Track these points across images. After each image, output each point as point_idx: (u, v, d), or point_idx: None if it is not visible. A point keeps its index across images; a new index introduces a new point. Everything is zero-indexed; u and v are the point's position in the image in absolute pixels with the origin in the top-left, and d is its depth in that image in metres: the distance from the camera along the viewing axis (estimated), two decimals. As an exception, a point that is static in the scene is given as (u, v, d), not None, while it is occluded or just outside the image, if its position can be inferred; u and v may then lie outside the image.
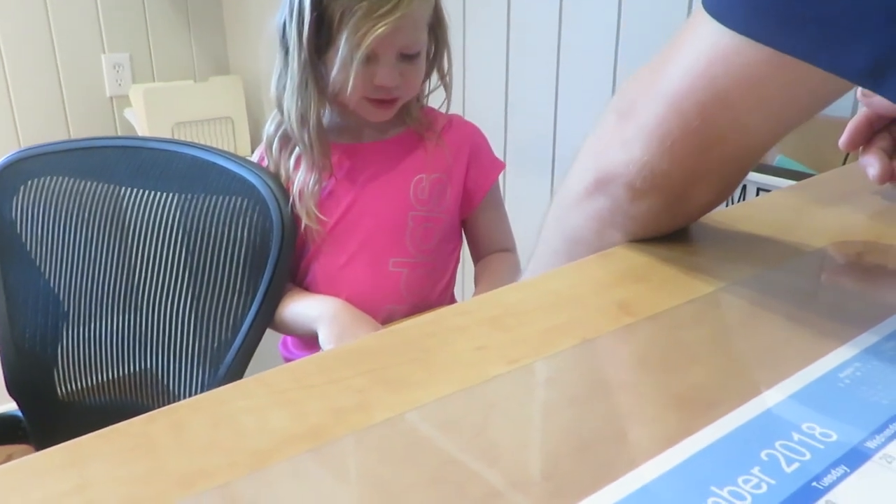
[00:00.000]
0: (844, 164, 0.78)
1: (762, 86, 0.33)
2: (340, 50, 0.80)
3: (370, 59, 0.82)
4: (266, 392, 0.28)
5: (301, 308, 0.89)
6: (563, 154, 1.40)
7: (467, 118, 0.99)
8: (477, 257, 1.00)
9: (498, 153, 1.00)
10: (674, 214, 0.42)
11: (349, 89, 0.83)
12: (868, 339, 0.31)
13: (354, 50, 0.80)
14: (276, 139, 0.90)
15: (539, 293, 0.36)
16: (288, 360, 1.01)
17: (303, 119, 0.86)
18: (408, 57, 0.84)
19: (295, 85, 0.85)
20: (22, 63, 1.83)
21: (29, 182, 0.95)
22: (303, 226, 0.89)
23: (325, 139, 0.88)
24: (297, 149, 0.89)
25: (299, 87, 0.84)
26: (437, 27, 0.88)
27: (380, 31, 0.79)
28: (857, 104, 0.52)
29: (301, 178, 0.88)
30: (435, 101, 0.97)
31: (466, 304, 0.36)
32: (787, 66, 0.32)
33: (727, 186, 0.41)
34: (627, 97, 0.40)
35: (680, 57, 0.36)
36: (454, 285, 1.00)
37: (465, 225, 0.99)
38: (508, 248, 0.99)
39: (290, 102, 0.86)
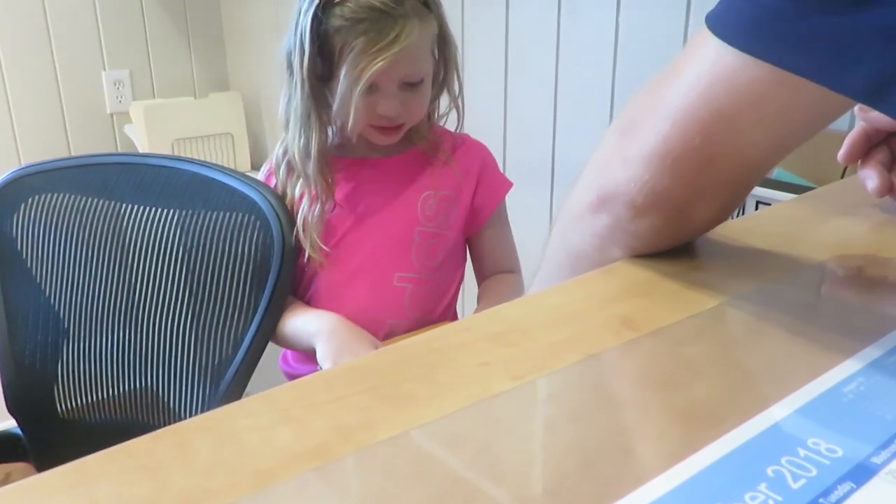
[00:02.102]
0: (843, 177, 0.78)
1: (763, 103, 0.34)
2: (340, 84, 0.81)
3: (371, 88, 0.82)
4: (270, 410, 0.28)
5: (300, 323, 0.89)
6: (562, 173, 1.40)
7: (466, 137, 0.99)
8: (481, 277, 0.99)
9: (497, 172, 1.00)
10: (675, 232, 0.42)
11: (350, 124, 0.83)
12: (871, 353, 0.31)
13: (353, 85, 0.80)
14: (284, 164, 0.91)
15: (542, 308, 0.36)
16: (288, 374, 1.01)
17: (305, 151, 0.86)
18: (410, 85, 0.84)
19: (298, 115, 0.85)
20: (22, 80, 1.84)
21: (30, 199, 0.95)
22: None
23: (328, 170, 0.88)
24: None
25: (302, 118, 0.85)
26: (444, 49, 0.88)
27: (378, 66, 0.79)
28: (855, 118, 0.52)
29: (304, 208, 0.88)
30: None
31: (469, 319, 0.36)
32: (789, 84, 0.32)
33: (728, 205, 0.41)
34: (629, 116, 0.40)
35: (682, 75, 0.36)
36: (456, 303, 1.00)
37: (470, 243, 0.98)
38: (513, 269, 0.98)
39: (294, 132, 0.86)
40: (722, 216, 0.42)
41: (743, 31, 0.33)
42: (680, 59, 0.37)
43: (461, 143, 0.95)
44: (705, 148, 0.36)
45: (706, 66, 0.35)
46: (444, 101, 0.93)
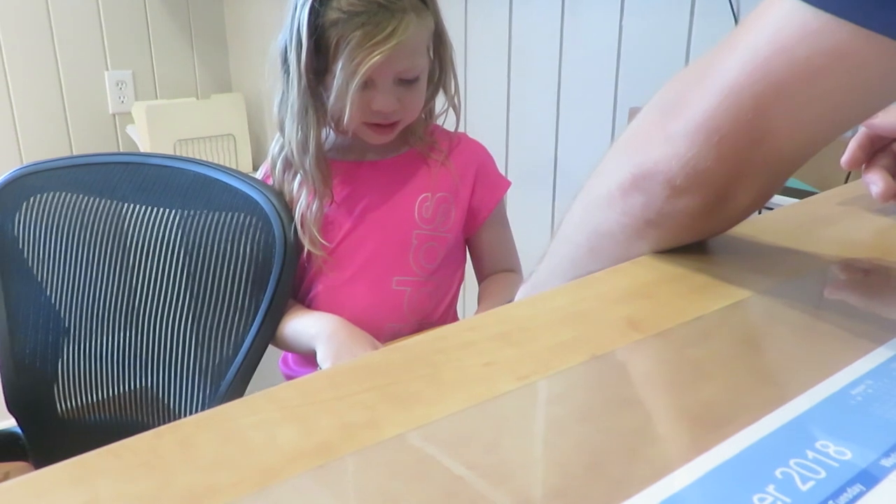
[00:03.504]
0: (847, 182, 0.78)
1: (834, 70, 0.32)
2: (336, 78, 0.80)
3: (367, 84, 0.81)
4: (274, 408, 0.27)
5: (300, 325, 0.88)
6: (564, 175, 1.40)
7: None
8: (481, 276, 0.99)
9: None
10: (710, 216, 0.40)
11: (346, 119, 0.82)
12: (879, 355, 0.31)
13: (350, 79, 0.79)
14: (280, 161, 0.90)
15: (547, 309, 0.36)
16: (289, 377, 1.00)
17: (303, 146, 0.85)
18: (406, 81, 0.84)
19: (295, 111, 0.84)
20: (25, 79, 1.85)
21: (31, 198, 0.95)
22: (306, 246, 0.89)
23: (326, 166, 0.88)
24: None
25: (299, 113, 0.84)
26: (439, 48, 0.88)
27: (374, 59, 0.78)
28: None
29: (303, 204, 0.88)
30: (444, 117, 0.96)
31: (474, 319, 0.35)
32: (869, 47, 0.30)
33: (769, 188, 0.40)
34: (673, 92, 0.39)
35: (738, 48, 0.35)
36: (457, 303, 1.00)
37: (470, 243, 0.98)
38: (512, 268, 0.98)
39: (291, 128, 0.85)
40: (761, 201, 0.41)
41: None
42: (735, 33, 0.35)
43: (458, 143, 0.94)
44: (756, 125, 0.35)
45: (767, 34, 0.33)
46: (442, 100, 0.93)
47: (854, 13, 0.30)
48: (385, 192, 0.91)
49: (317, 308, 0.92)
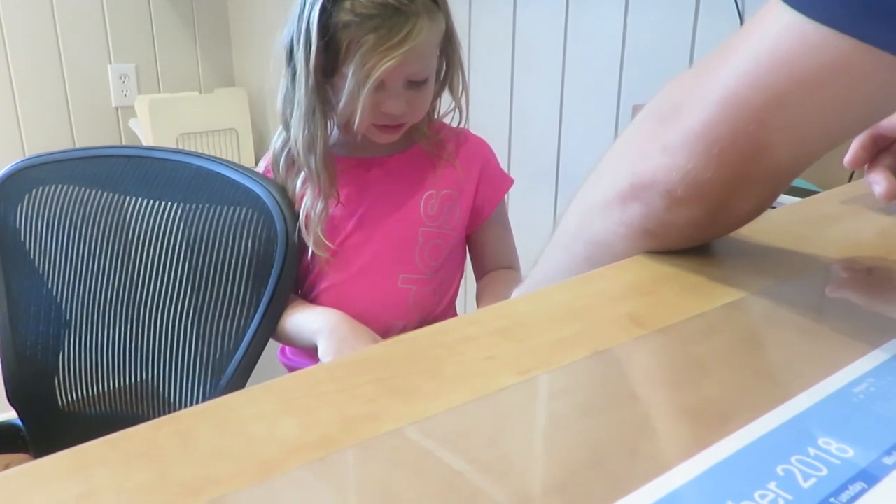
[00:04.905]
0: (850, 181, 0.78)
1: (832, 83, 0.32)
2: (347, 82, 0.79)
3: (377, 87, 0.80)
4: (274, 400, 0.27)
5: (302, 320, 0.88)
6: (567, 174, 1.40)
7: (472, 135, 0.98)
8: (480, 273, 0.99)
9: (502, 171, 0.99)
10: (712, 224, 0.40)
11: (356, 122, 0.81)
12: (880, 354, 0.31)
13: (362, 83, 0.78)
14: (283, 158, 0.89)
15: (548, 304, 0.36)
16: (287, 366, 1.00)
17: (309, 146, 0.84)
18: (415, 83, 0.83)
19: (302, 111, 0.83)
20: (28, 72, 1.84)
21: (34, 190, 0.95)
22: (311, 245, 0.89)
23: (332, 166, 0.87)
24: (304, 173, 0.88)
25: (306, 113, 0.83)
26: (448, 48, 0.87)
27: (387, 64, 0.77)
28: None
29: (307, 204, 0.87)
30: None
31: (475, 314, 0.35)
32: (867, 59, 0.30)
33: (769, 196, 0.40)
34: (670, 100, 0.38)
35: (737, 56, 0.34)
36: (456, 299, 1.00)
37: (470, 240, 0.98)
38: (512, 266, 0.98)
39: (297, 128, 0.84)
40: (761, 208, 0.40)
41: (824, 0, 0.30)
42: (734, 40, 0.35)
43: (464, 141, 0.94)
44: (756, 135, 0.34)
45: (767, 45, 0.33)
46: (448, 98, 0.93)
47: (853, 28, 0.30)
48: (391, 190, 0.90)
49: (322, 305, 0.92)
